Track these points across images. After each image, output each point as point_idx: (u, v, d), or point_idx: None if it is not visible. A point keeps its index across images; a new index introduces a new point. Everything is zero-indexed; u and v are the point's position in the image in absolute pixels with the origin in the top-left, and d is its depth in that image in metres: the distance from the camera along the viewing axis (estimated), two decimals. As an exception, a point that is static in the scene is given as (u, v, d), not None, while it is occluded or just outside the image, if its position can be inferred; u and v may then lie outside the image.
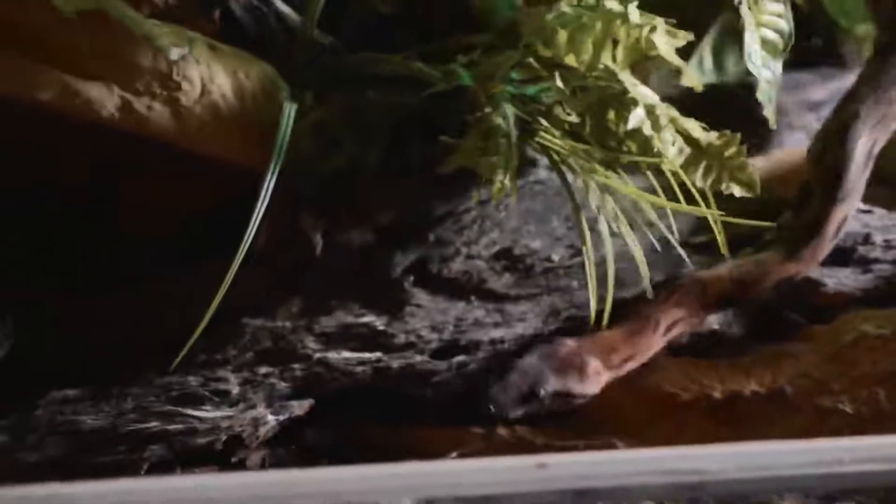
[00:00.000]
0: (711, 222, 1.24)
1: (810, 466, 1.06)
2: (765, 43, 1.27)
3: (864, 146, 1.29)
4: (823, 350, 1.30)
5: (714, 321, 1.35)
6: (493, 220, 1.27)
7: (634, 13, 1.17)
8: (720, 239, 1.25)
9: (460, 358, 1.29)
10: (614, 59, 1.18)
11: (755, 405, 1.28)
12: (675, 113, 1.19)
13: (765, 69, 1.26)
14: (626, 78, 1.17)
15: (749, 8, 1.24)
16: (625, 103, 1.17)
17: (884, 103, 1.29)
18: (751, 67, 1.26)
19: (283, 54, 1.30)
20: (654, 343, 1.28)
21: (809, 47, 1.51)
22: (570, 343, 1.26)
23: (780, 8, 1.28)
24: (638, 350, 1.27)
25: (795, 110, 1.52)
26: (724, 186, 1.21)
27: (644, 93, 1.18)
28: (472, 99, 1.21)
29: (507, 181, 1.15)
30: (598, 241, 1.22)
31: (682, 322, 1.29)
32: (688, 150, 1.19)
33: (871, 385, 1.26)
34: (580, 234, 1.21)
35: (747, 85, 1.34)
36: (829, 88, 1.54)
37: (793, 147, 1.49)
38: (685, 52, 1.30)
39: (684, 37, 1.19)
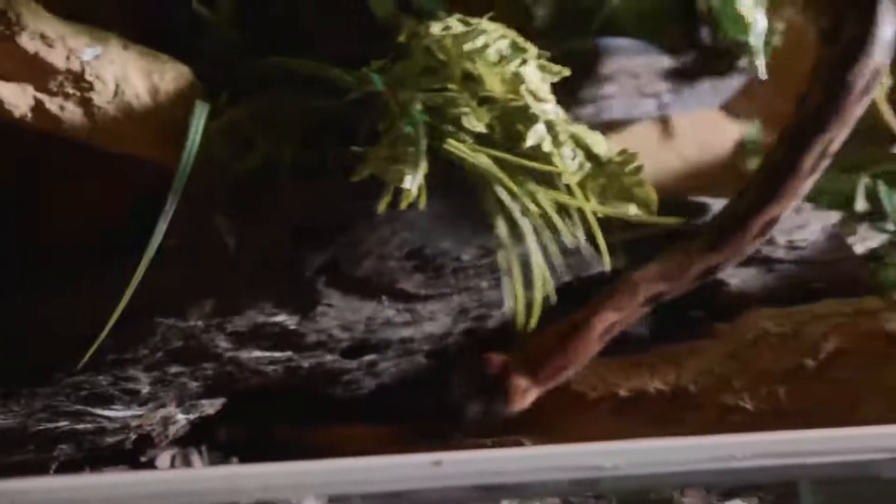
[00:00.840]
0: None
1: (710, 462, 1.09)
2: None
3: (818, 149, 1.26)
4: (726, 348, 1.33)
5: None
6: (405, 220, 1.29)
7: (498, 50, 1.18)
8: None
9: (370, 357, 1.31)
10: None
11: (659, 402, 1.31)
12: (576, 128, 1.21)
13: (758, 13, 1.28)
14: (528, 92, 1.19)
15: None
16: (527, 117, 1.18)
17: (842, 98, 1.25)
18: (742, 9, 1.25)
19: (197, 53, 1.31)
20: (590, 349, 1.28)
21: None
22: (496, 360, 1.27)
23: None
24: (572, 359, 1.27)
25: (647, 75, 1.53)
26: (621, 203, 1.22)
27: (546, 108, 1.19)
28: (384, 105, 1.22)
29: (414, 189, 1.16)
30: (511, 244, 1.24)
31: (619, 324, 1.29)
32: (588, 165, 1.21)
33: (772, 382, 1.29)
34: (497, 235, 1.23)
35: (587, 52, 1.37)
36: (685, 55, 1.55)
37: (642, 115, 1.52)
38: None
39: (559, 71, 1.21)
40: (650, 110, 1.52)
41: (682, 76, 1.52)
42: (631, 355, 1.35)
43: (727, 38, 1.48)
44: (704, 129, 1.75)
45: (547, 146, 1.19)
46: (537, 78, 1.19)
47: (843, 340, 1.28)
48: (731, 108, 1.81)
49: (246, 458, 1.28)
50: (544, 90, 1.20)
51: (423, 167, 1.18)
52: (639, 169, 1.23)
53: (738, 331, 1.34)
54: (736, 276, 1.42)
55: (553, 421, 1.33)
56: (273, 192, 1.28)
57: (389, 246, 1.29)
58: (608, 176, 1.23)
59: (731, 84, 1.61)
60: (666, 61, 1.52)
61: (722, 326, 1.37)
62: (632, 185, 1.22)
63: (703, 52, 1.53)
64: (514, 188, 1.19)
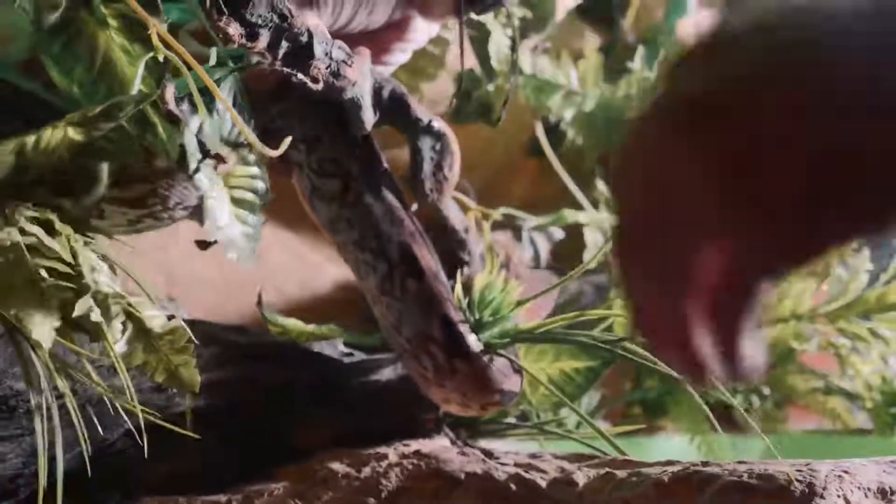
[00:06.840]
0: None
1: None
2: (241, 202, 1.35)
3: None
4: (295, 488, 1.37)
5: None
6: (-20, 362, 1.29)
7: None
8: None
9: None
10: None
11: (223, 542, 1.34)
12: (135, 301, 1.21)
13: (242, 226, 1.34)
14: (86, 260, 1.19)
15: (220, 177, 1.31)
16: (79, 288, 1.18)
17: None
18: (213, 230, 1.30)
19: None
20: None
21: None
22: None
23: (255, 170, 1.35)
24: None
25: None
26: (163, 379, 1.23)
27: (101, 281, 1.20)
28: None
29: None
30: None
31: None
32: (136, 340, 1.22)
33: (331, 518, 1.34)
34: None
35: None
36: None
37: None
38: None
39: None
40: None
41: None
42: (206, 495, 1.38)
43: None
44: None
45: (96, 317, 1.19)
46: (92, 254, 1.20)
47: (403, 480, 1.34)
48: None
49: None
50: (100, 263, 1.21)
51: None
52: (187, 348, 1.24)
53: (309, 472, 1.39)
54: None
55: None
56: None
57: (-40, 387, 1.28)
58: (155, 352, 1.24)
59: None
60: None
61: (294, 468, 1.41)
62: (179, 364, 1.23)
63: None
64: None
